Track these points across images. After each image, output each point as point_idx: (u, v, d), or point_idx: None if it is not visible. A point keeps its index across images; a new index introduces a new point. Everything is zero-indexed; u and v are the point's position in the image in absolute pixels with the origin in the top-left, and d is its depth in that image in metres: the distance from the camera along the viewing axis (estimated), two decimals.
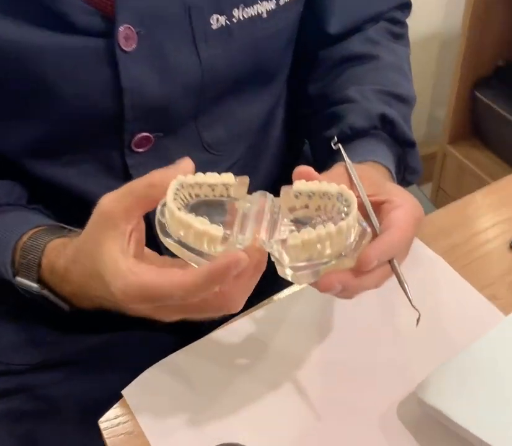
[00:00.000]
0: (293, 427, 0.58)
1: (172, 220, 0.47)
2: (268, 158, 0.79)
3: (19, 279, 0.59)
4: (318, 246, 0.46)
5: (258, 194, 0.50)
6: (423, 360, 0.61)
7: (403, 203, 0.53)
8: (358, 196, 0.53)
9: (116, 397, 0.60)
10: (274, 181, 0.81)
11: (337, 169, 0.57)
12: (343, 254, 0.48)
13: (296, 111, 0.82)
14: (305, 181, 0.50)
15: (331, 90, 0.74)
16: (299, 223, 0.50)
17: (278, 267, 0.48)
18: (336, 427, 0.57)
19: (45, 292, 0.59)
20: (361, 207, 0.52)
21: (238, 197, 0.50)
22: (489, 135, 1.76)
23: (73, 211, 0.61)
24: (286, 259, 0.47)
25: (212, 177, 0.49)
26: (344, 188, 0.48)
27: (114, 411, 0.60)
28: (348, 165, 0.57)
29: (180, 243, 0.47)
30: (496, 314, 0.64)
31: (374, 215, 0.54)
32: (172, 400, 0.59)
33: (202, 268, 0.44)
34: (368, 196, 0.54)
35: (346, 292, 0.50)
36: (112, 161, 0.66)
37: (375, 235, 0.51)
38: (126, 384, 0.60)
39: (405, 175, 0.72)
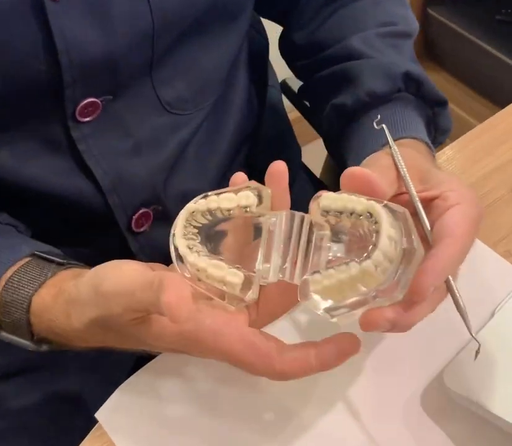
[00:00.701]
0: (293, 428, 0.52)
1: (186, 262, 0.43)
2: (236, 112, 0.68)
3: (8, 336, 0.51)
4: (346, 288, 0.40)
5: (281, 212, 0.44)
6: (445, 340, 0.55)
7: (460, 200, 0.44)
8: (406, 192, 0.45)
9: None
10: (245, 137, 0.71)
11: (384, 160, 0.47)
12: (383, 288, 0.40)
13: (259, 53, 0.72)
14: (333, 195, 0.42)
15: (324, 36, 0.64)
16: (339, 236, 0.43)
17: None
18: (358, 417, 0.53)
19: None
20: (410, 206, 0.44)
21: (262, 213, 0.44)
22: (445, 56, 1.68)
23: (18, 209, 0.52)
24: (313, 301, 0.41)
25: (228, 200, 0.43)
26: (373, 206, 0.40)
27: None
28: (394, 156, 0.46)
29: (199, 280, 0.43)
30: None
31: (426, 221, 0.44)
32: (150, 419, 0.52)
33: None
34: (417, 191, 0.45)
35: (398, 328, 0.41)
36: (54, 136, 0.55)
37: (426, 242, 0.43)
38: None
39: (435, 137, 0.62)
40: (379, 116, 0.51)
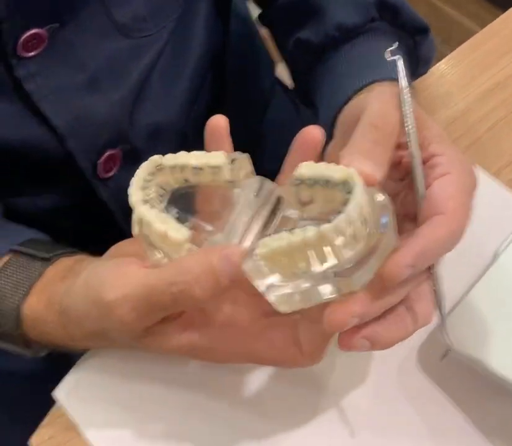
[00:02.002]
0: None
1: (134, 214, 0.39)
2: (201, 29, 0.60)
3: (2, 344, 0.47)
4: (298, 258, 0.34)
5: (253, 181, 0.40)
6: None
7: (451, 169, 0.38)
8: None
9: None
10: (212, 56, 0.63)
11: (366, 129, 0.39)
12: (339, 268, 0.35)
13: None
14: (312, 163, 0.37)
15: None
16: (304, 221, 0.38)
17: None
18: (352, 376, 0.49)
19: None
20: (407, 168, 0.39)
21: (234, 180, 0.40)
22: None
23: None
24: (258, 274, 0.36)
25: (196, 157, 0.39)
26: (352, 174, 0.35)
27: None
28: (402, 99, 0.39)
29: (146, 240, 0.39)
30: None
31: (422, 182, 0.38)
32: (111, 396, 0.48)
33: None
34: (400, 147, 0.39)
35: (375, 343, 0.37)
36: None
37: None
38: None
39: (416, 68, 0.55)
40: (394, 45, 0.41)
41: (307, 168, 0.37)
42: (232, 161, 0.40)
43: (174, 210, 0.40)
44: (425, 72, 0.57)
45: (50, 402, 0.48)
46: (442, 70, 0.62)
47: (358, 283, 0.35)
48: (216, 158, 0.39)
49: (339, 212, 0.34)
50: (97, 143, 0.54)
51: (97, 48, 0.51)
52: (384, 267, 0.35)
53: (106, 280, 0.38)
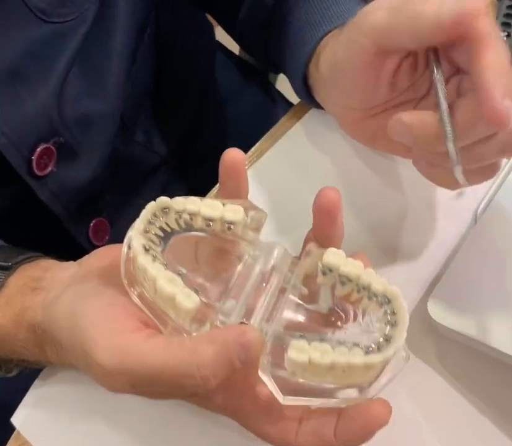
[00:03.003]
0: None
1: (135, 263, 0.36)
2: (124, 12, 0.55)
3: None
4: (326, 372, 0.34)
5: (271, 247, 0.38)
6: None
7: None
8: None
9: None
10: (140, 27, 0.58)
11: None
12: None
13: None
14: (341, 254, 0.37)
15: None
16: (316, 307, 0.38)
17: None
18: None
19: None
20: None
21: (246, 238, 0.38)
22: None
23: None
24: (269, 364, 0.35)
25: (211, 207, 0.37)
26: (394, 293, 0.36)
27: None
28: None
29: (142, 297, 0.36)
30: None
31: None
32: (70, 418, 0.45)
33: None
34: None
35: None
36: None
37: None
38: None
39: None
40: None
41: (338, 259, 0.37)
42: (249, 216, 0.38)
43: (170, 258, 0.37)
44: None
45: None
46: None
47: (370, 396, 0.35)
48: (235, 214, 0.37)
49: (384, 338, 0.35)
50: (27, 137, 0.50)
51: (13, 36, 0.47)
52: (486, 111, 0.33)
53: (98, 337, 0.35)
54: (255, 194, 0.41)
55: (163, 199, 0.37)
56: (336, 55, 0.41)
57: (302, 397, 0.36)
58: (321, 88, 0.46)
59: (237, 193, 0.40)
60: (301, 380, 0.35)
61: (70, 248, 0.42)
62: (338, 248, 0.38)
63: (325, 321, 0.38)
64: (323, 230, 0.39)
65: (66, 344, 0.37)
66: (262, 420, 0.37)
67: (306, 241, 0.40)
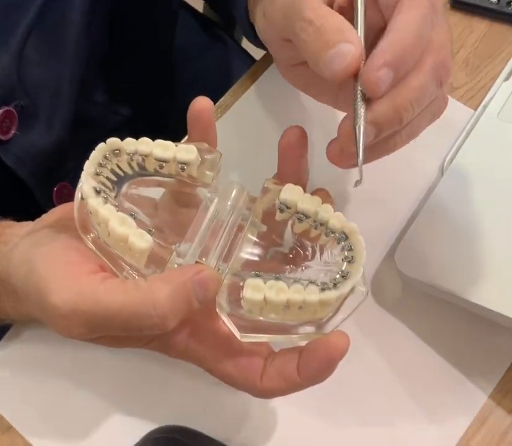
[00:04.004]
0: None
1: (87, 206, 0.35)
2: None
3: None
4: (282, 310, 0.34)
5: (229, 187, 0.38)
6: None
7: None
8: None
9: None
10: None
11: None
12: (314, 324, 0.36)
13: None
14: (299, 191, 0.37)
15: None
16: (273, 244, 0.38)
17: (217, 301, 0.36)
18: None
19: None
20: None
21: (202, 181, 0.38)
22: None
23: None
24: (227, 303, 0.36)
25: (163, 147, 0.37)
26: (352, 229, 0.35)
27: None
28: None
29: (96, 242, 0.37)
30: (460, 108, 0.51)
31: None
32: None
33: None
34: None
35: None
36: None
37: None
38: None
39: None
40: None
41: (295, 196, 0.36)
42: (204, 158, 0.38)
43: (125, 203, 0.37)
44: None
45: None
46: None
47: (328, 331, 0.36)
48: (187, 154, 0.37)
49: (340, 274, 0.34)
50: None
51: None
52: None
53: (53, 279, 0.35)
54: (223, 145, 0.41)
55: (113, 140, 0.36)
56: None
57: (260, 334, 0.36)
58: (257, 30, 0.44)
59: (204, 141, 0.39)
60: (259, 318, 0.35)
61: (34, 215, 0.42)
62: (304, 191, 0.37)
63: (284, 260, 0.38)
64: (287, 169, 0.39)
65: (22, 291, 0.37)
66: (225, 362, 0.37)
67: None
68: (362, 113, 0.33)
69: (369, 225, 0.44)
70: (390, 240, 0.47)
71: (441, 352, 0.45)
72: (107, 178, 0.37)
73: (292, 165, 0.39)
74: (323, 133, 0.40)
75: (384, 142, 0.36)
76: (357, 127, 0.33)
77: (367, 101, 0.33)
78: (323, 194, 0.39)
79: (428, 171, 0.49)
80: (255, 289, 0.34)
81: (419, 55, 0.34)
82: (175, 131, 0.44)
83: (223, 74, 0.70)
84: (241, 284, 0.34)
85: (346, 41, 0.33)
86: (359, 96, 0.33)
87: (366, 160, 0.34)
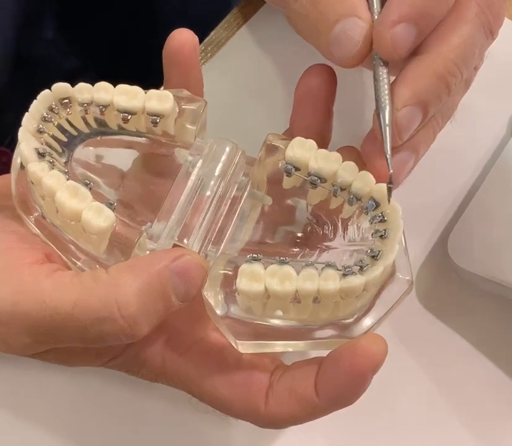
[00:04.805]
0: None
1: (27, 175, 0.31)
2: None
3: None
4: (292, 305, 0.29)
5: (218, 147, 0.33)
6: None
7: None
8: None
9: None
10: None
11: None
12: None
13: None
14: (311, 145, 0.31)
15: None
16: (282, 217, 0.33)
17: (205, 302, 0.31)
18: None
19: None
20: None
21: (181, 139, 0.34)
22: None
23: None
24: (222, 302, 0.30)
25: (129, 94, 0.32)
26: (383, 192, 0.30)
27: None
28: None
29: (40, 223, 0.32)
30: None
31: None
32: None
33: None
34: None
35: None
36: None
37: None
38: None
39: None
40: None
41: (303, 152, 0.30)
42: (183, 108, 0.32)
43: (79, 169, 0.33)
44: None
45: None
46: None
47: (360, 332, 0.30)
48: (162, 102, 0.31)
49: (370, 254, 0.29)
50: None
51: None
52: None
53: None
54: (211, 94, 0.35)
55: (60, 86, 0.31)
56: None
57: (263, 341, 0.30)
58: None
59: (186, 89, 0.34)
60: (261, 319, 0.30)
61: None
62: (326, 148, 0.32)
63: (296, 241, 0.34)
64: (305, 122, 0.34)
65: None
66: (217, 380, 0.32)
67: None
68: (387, 94, 0.30)
69: (412, 203, 0.39)
70: (441, 222, 0.41)
71: (506, 367, 0.39)
72: (54, 137, 0.31)
73: (313, 116, 0.34)
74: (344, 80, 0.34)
75: (424, 130, 0.32)
76: (382, 112, 0.30)
77: (398, 78, 0.30)
78: (348, 151, 0.33)
79: (492, 129, 0.43)
80: (252, 277, 0.28)
81: None
82: (155, 78, 0.38)
83: (217, 3, 0.62)
84: (231, 273, 0.29)
85: (352, 15, 0.30)
86: (382, 70, 0.30)
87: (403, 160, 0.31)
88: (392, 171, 0.29)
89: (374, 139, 0.31)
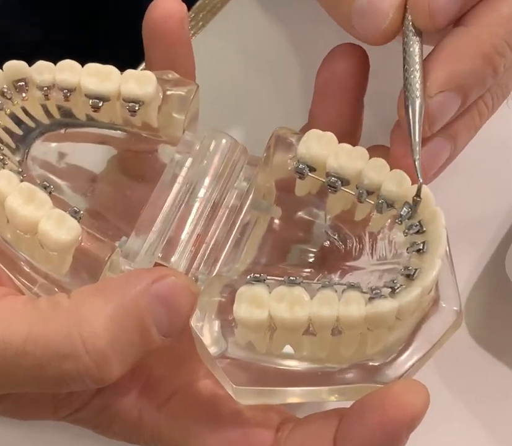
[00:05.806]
0: None
1: None
2: None
3: None
4: (305, 339, 0.25)
5: (211, 140, 0.30)
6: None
7: None
8: None
9: None
10: None
11: None
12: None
13: None
14: (330, 140, 0.28)
15: None
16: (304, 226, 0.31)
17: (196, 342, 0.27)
18: None
19: None
20: None
21: (166, 132, 0.31)
22: None
23: None
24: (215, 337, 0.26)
25: (100, 75, 0.29)
26: (424, 196, 0.27)
27: None
28: None
29: None
30: None
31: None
32: None
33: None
34: None
35: None
36: None
37: None
38: None
39: None
40: None
41: (321, 148, 0.27)
42: (168, 93, 0.30)
43: (37, 170, 0.31)
44: None
45: None
46: None
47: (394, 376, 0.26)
48: (141, 85, 0.29)
49: (404, 273, 0.25)
50: None
51: None
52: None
53: None
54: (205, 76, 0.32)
55: (14, 64, 0.28)
56: None
57: (269, 388, 0.26)
58: None
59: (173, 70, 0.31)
60: (266, 359, 0.26)
61: None
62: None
63: (313, 261, 0.30)
64: (329, 115, 0.30)
65: None
66: (208, 439, 0.28)
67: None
68: (418, 77, 0.27)
69: (461, 212, 0.36)
70: (496, 235, 0.37)
71: None
72: (6, 129, 0.29)
73: (338, 109, 0.31)
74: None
75: (465, 116, 0.29)
76: (411, 101, 0.27)
77: (434, 55, 0.28)
78: (379, 152, 0.30)
79: None
80: (253, 302, 0.25)
81: None
82: (133, 56, 0.34)
83: None
84: (227, 300, 0.26)
85: None
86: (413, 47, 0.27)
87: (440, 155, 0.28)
88: (421, 180, 0.25)
89: (400, 133, 0.28)
